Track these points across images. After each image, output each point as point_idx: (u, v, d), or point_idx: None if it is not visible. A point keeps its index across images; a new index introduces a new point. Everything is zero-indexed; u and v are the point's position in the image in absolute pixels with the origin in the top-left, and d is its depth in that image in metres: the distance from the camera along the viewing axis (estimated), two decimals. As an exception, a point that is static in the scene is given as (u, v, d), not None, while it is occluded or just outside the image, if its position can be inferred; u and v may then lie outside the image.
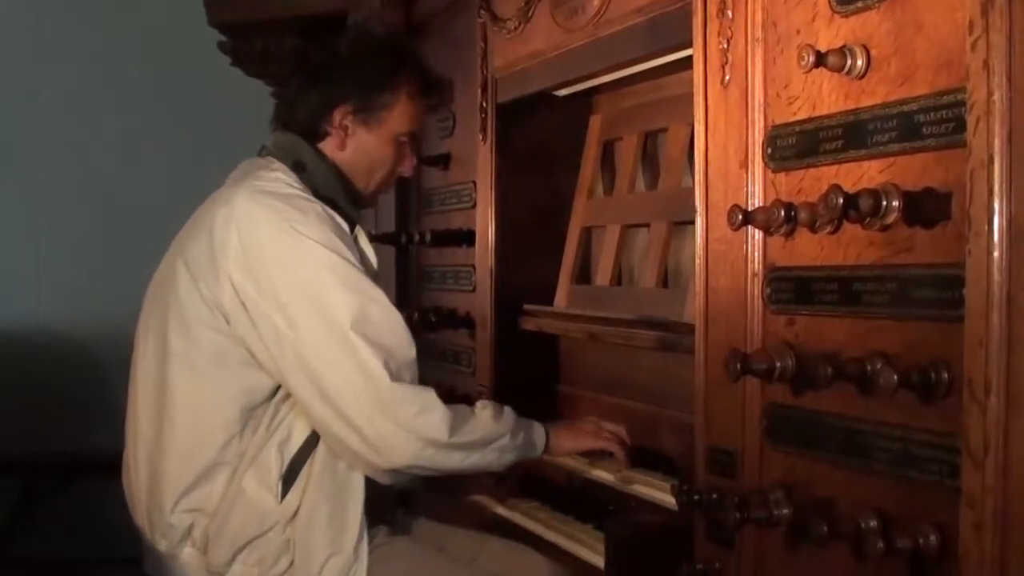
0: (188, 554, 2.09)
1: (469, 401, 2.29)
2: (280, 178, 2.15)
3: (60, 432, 4.46)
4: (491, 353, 2.85)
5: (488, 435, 2.11)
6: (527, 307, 2.81)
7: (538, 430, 2.24)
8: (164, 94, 4.61)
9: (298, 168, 2.19)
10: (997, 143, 1.25)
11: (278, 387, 2.08)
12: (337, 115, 2.22)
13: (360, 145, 2.24)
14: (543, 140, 2.90)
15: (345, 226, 2.16)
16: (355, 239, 2.21)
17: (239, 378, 2.06)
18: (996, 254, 1.26)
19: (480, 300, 2.94)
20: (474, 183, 2.97)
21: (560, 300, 2.82)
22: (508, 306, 2.84)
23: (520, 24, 2.69)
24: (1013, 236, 1.25)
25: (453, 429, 2.04)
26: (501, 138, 2.85)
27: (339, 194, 2.21)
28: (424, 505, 2.74)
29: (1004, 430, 1.26)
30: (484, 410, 2.15)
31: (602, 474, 2.34)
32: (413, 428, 2.01)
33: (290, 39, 3.60)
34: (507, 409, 2.19)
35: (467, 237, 3.01)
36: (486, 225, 2.89)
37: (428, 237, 3.13)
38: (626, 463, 2.28)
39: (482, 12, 2.83)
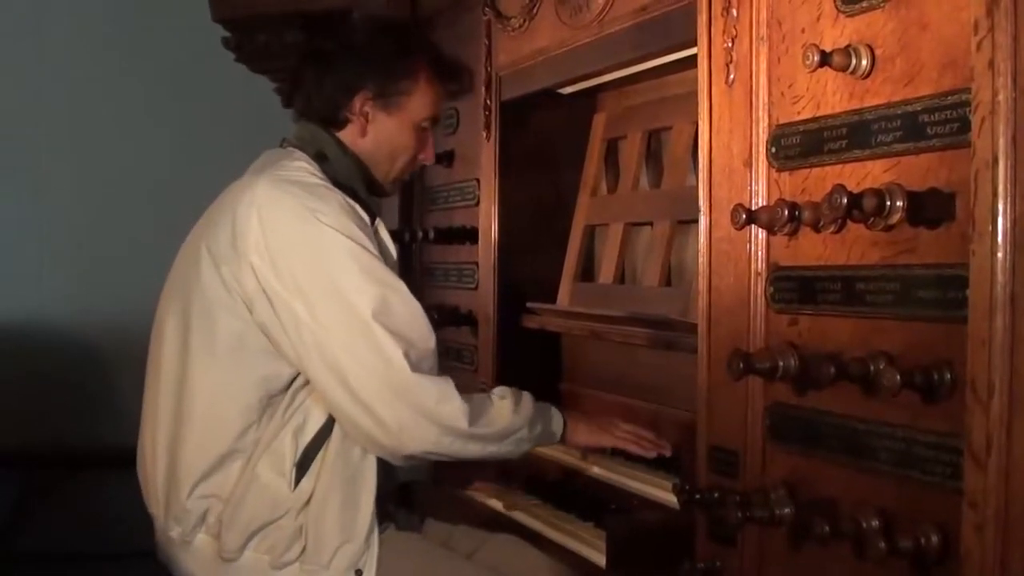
0: (201, 540, 2.09)
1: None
2: (303, 167, 2.15)
3: (63, 426, 4.46)
4: (494, 351, 2.85)
5: (507, 428, 2.12)
6: (530, 305, 2.81)
7: (556, 418, 2.24)
8: (166, 89, 4.60)
9: (320, 159, 2.19)
10: (1002, 143, 1.25)
11: (296, 376, 2.08)
12: (358, 102, 2.22)
13: (381, 131, 2.24)
14: (547, 138, 2.90)
15: (366, 217, 2.16)
16: (375, 231, 2.21)
17: (259, 366, 2.06)
18: (1000, 255, 1.26)
19: (483, 298, 2.94)
20: (477, 180, 2.97)
21: (563, 298, 2.82)
22: (511, 304, 2.85)
23: (524, 22, 2.70)
24: (1017, 237, 1.25)
25: (472, 420, 2.05)
26: (505, 136, 2.85)
27: (360, 184, 2.22)
28: (426, 503, 2.74)
29: (1007, 431, 1.26)
30: (503, 400, 2.14)
31: (603, 472, 2.34)
32: (433, 416, 2.01)
33: (294, 34, 3.60)
34: (526, 396, 2.19)
35: (470, 234, 3.01)
36: (489, 222, 2.89)
37: (431, 234, 3.13)
38: (648, 455, 2.29)
39: (486, 9, 2.83)
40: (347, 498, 2.07)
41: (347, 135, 2.24)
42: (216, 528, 2.07)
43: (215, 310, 2.06)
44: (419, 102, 2.25)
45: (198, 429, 2.08)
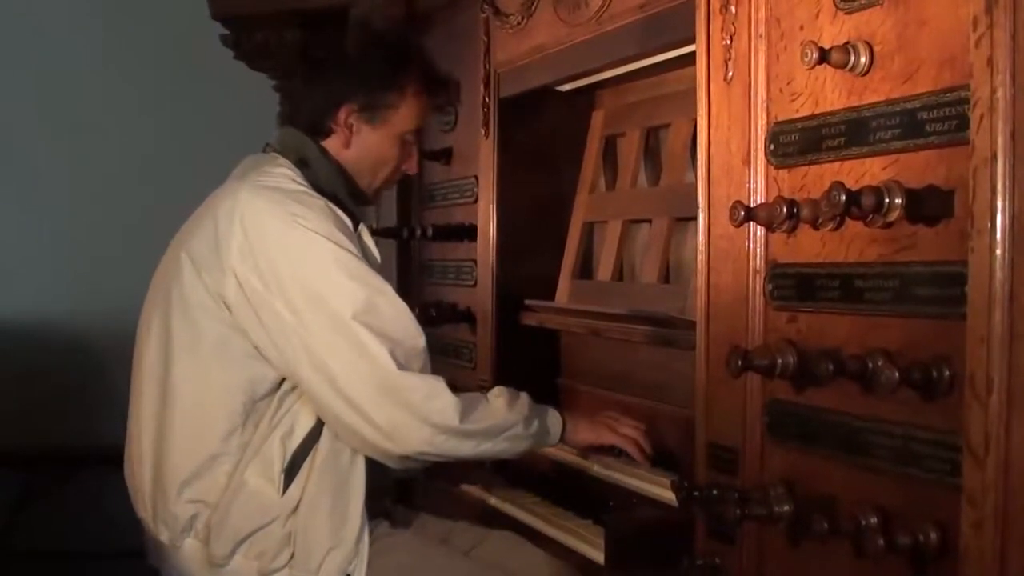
0: (190, 545, 2.09)
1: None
2: (285, 174, 2.16)
3: (61, 426, 4.46)
4: (492, 348, 2.85)
5: (501, 424, 2.11)
6: (528, 302, 2.81)
7: (554, 418, 2.23)
8: (165, 89, 4.60)
9: (302, 165, 2.19)
10: (1000, 140, 1.25)
11: (282, 380, 2.08)
12: (342, 114, 2.22)
13: (365, 144, 2.25)
14: (545, 135, 2.90)
15: (348, 222, 2.16)
16: (358, 235, 2.21)
17: (243, 370, 2.06)
18: (999, 252, 1.25)
19: (481, 295, 2.94)
20: (476, 178, 2.97)
21: (561, 295, 2.82)
22: (509, 301, 2.85)
23: (523, 19, 2.69)
24: (1016, 234, 1.25)
25: (464, 416, 2.04)
26: (503, 133, 2.85)
27: (341, 191, 2.22)
28: (423, 500, 2.74)
29: (1005, 428, 1.25)
30: (498, 398, 2.14)
31: (602, 470, 2.34)
32: (423, 414, 2.01)
33: (292, 32, 3.60)
34: (523, 396, 2.19)
35: (468, 232, 3.01)
36: (488, 220, 2.89)
37: (429, 232, 3.13)
38: (644, 462, 2.27)
39: (485, 7, 2.83)
40: (336, 503, 2.07)
41: (331, 144, 2.24)
42: (204, 534, 2.07)
43: (197, 315, 2.07)
44: (405, 115, 2.26)
45: (182, 432, 2.08)
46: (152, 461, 2.12)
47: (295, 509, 2.07)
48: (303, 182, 2.16)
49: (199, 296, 2.07)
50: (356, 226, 2.22)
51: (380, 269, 2.21)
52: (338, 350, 2.01)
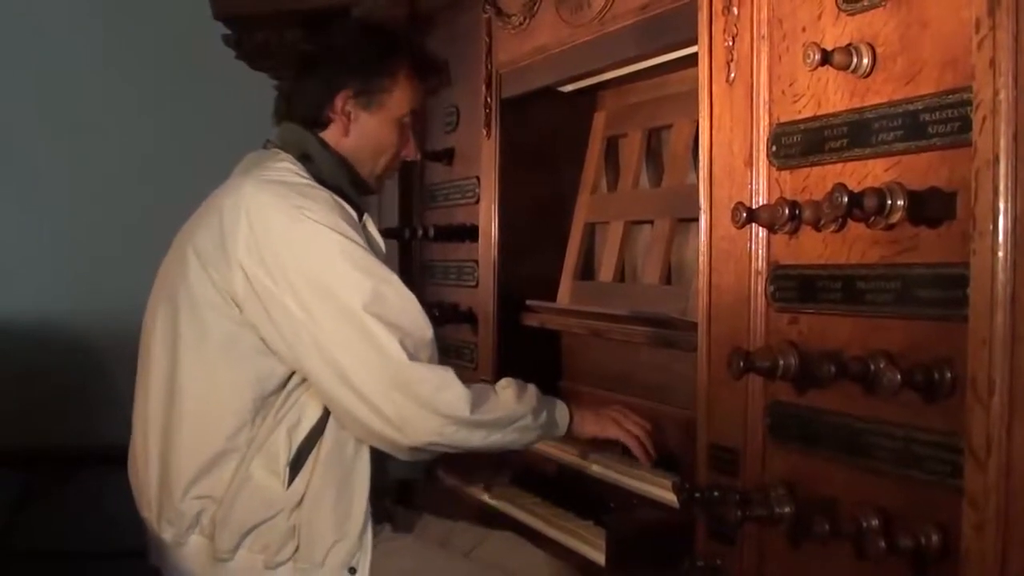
0: (195, 542, 2.08)
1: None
2: (288, 168, 2.16)
3: (61, 426, 4.46)
4: (493, 349, 2.85)
5: (510, 415, 2.11)
6: (530, 303, 2.81)
7: (562, 410, 2.24)
8: (165, 89, 4.60)
9: (304, 159, 2.20)
10: (1003, 142, 1.25)
11: (291, 375, 2.08)
12: (339, 101, 2.23)
13: (363, 130, 2.26)
14: (547, 136, 2.90)
15: (353, 213, 2.16)
16: (363, 226, 2.22)
17: (251, 366, 2.06)
18: (1001, 254, 1.26)
19: (483, 296, 2.94)
20: (477, 178, 2.97)
21: (563, 296, 2.82)
22: (511, 302, 2.85)
23: (525, 19, 2.70)
24: (1018, 236, 1.25)
25: (474, 406, 2.05)
26: (505, 133, 2.85)
27: (345, 183, 2.23)
28: (423, 500, 2.74)
29: (1007, 430, 1.26)
30: (506, 389, 2.15)
31: (602, 470, 2.34)
32: (433, 405, 2.01)
33: (293, 32, 3.60)
34: (531, 387, 2.19)
35: (470, 232, 3.01)
36: (489, 220, 2.89)
37: (431, 232, 3.13)
38: (646, 462, 2.28)
39: (487, 7, 2.83)
40: (340, 496, 2.07)
41: (330, 135, 2.25)
42: (210, 529, 2.07)
43: (204, 311, 2.07)
44: (400, 98, 2.27)
45: (190, 430, 2.08)
46: (158, 460, 2.11)
47: (300, 502, 2.07)
48: (306, 175, 2.16)
49: (207, 293, 2.06)
50: (360, 217, 2.22)
51: (386, 260, 2.22)
52: (348, 343, 2.01)
